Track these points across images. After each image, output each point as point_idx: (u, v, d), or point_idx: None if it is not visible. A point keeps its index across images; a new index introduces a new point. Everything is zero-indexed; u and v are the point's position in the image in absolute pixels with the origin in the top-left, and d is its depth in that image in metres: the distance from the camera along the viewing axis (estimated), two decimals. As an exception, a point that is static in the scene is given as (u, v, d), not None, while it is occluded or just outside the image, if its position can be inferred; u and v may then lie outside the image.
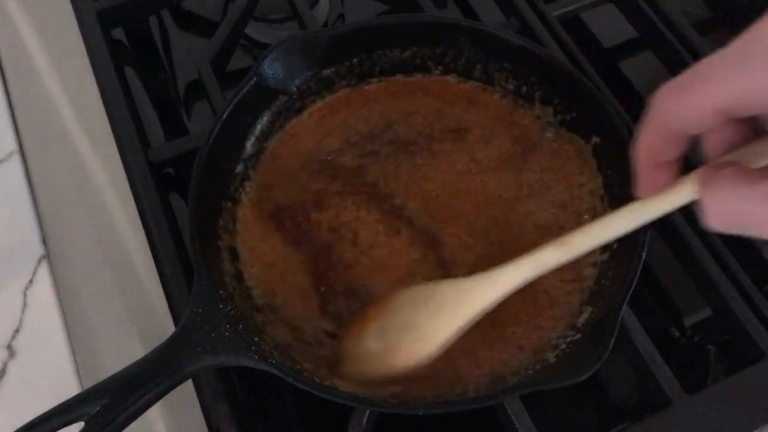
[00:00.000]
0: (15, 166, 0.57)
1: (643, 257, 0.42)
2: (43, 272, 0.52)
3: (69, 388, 0.47)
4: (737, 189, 0.30)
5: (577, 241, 0.38)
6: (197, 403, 0.45)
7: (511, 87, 0.52)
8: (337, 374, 0.42)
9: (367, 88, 0.54)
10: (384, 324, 0.43)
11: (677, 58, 0.57)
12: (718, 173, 0.31)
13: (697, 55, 0.57)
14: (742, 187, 0.30)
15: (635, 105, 0.59)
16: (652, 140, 0.34)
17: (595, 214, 0.47)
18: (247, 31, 0.64)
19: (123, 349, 0.50)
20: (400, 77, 0.54)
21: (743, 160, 0.32)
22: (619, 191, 0.47)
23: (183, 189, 0.56)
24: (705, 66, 0.30)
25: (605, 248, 0.45)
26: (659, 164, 0.34)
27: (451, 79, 0.53)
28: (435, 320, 0.41)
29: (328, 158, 0.51)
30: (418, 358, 0.41)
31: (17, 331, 0.50)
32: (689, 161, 0.35)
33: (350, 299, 0.46)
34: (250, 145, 0.51)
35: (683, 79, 0.31)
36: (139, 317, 0.51)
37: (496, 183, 0.50)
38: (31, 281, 0.52)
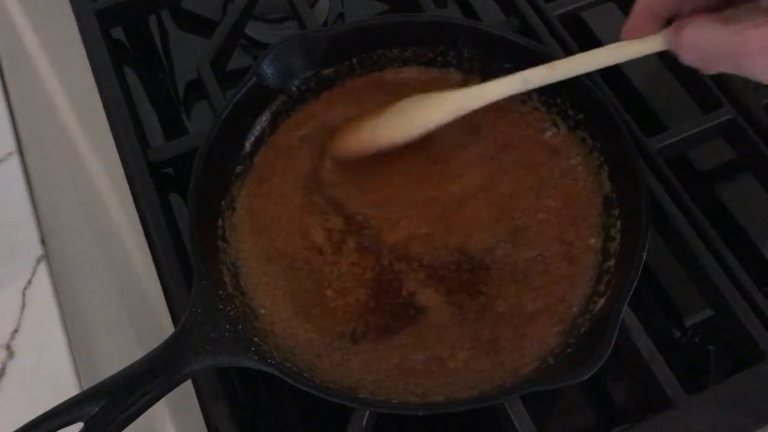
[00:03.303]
0: (14, 166, 0.57)
1: (644, 257, 0.42)
2: (42, 272, 0.52)
3: (69, 388, 0.47)
4: (713, 26, 0.35)
5: (561, 65, 0.43)
6: (197, 403, 0.45)
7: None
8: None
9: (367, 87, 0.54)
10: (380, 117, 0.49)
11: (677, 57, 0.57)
12: (695, 17, 0.37)
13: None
14: (716, 24, 0.35)
15: (636, 105, 0.60)
16: None
17: (593, 215, 0.47)
18: (246, 30, 0.64)
19: (123, 349, 0.50)
20: (400, 77, 0.54)
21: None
22: (619, 188, 0.47)
23: (183, 189, 0.56)
24: None
25: (610, 256, 0.45)
26: (651, 15, 0.39)
27: (451, 78, 0.53)
28: (428, 110, 0.47)
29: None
30: (406, 134, 0.47)
31: (16, 331, 0.50)
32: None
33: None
34: (249, 144, 0.51)
35: None
36: (138, 317, 0.51)
37: (495, 180, 0.50)
38: (30, 281, 0.51)
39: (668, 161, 0.52)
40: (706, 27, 0.36)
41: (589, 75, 0.55)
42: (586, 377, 0.38)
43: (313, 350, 0.44)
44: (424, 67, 0.54)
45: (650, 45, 0.40)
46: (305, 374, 0.41)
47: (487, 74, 0.52)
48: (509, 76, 0.45)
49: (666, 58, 0.59)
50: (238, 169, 0.50)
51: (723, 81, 0.55)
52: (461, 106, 0.46)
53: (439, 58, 0.53)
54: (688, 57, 0.37)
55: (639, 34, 0.40)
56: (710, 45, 0.36)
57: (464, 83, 0.53)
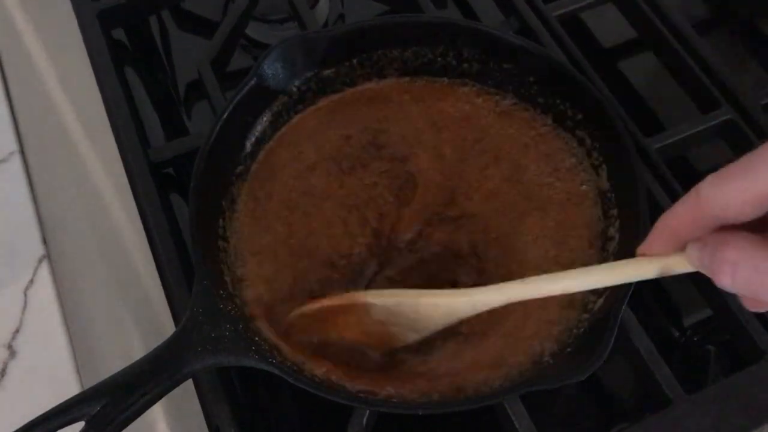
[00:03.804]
0: (15, 166, 0.57)
1: (643, 257, 0.42)
2: (44, 272, 0.52)
3: (70, 387, 0.47)
4: (755, 252, 0.29)
5: (564, 284, 0.38)
6: (197, 403, 0.45)
7: (510, 87, 0.52)
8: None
9: (366, 88, 0.54)
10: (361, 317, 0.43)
11: (677, 58, 0.57)
12: (726, 233, 0.30)
13: (696, 55, 0.57)
14: (758, 251, 0.29)
15: (635, 105, 0.60)
16: (682, 214, 0.32)
17: (592, 215, 0.48)
18: (247, 31, 0.64)
19: (123, 349, 0.50)
20: (398, 77, 0.54)
21: None
22: (618, 188, 0.47)
23: (183, 189, 0.56)
24: (753, 156, 0.29)
25: (609, 256, 0.45)
26: (674, 236, 0.33)
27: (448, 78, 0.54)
28: (415, 325, 0.42)
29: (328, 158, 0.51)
30: (390, 343, 0.43)
31: (17, 331, 0.50)
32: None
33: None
34: (250, 145, 0.51)
35: (730, 167, 0.30)
36: (139, 317, 0.51)
37: (495, 179, 0.50)
38: (31, 281, 0.52)
39: (667, 161, 0.52)
40: (745, 253, 0.29)
41: (587, 75, 0.55)
42: (585, 377, 0.38)
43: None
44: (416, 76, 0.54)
45: (675, 263, 0.33)
46: (305, 373, 0.42)
47: (486, 75, 0.53)
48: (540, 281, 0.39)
49: (666, 59, 0.59)
50: (239, 169, 0.50)
51: (722, 81, 0.55)
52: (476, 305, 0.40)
53: (439, 59, 0.53)
54: (725, 283, 0.30)
55: (659, 252, 0.34)
56: (752, 273, 0.29)
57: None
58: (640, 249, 0.35)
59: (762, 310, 0.36)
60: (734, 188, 0.30)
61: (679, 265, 0.33)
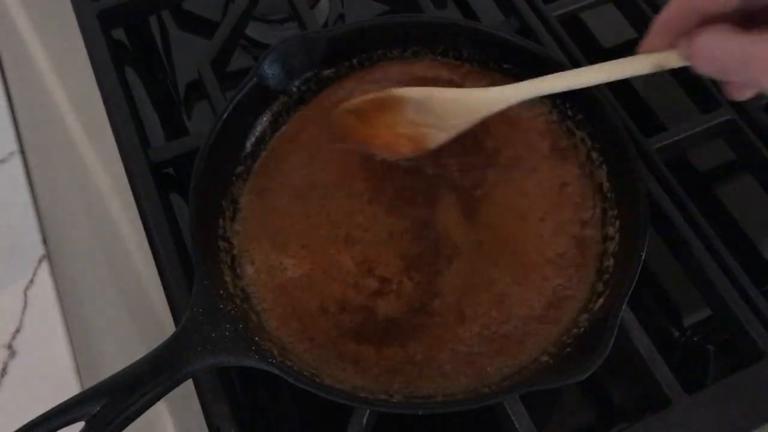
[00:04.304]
0: (16, 166, 0.57)
1: (643, 257, 0.42)
2: (44, 272, 0.52)
3: (70, 387, 0.47)
4: (727, 34, 0.34)
5: (584, 74, 0.43)
6: (197, 403, 0.45)
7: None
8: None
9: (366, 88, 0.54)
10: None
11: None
12: (710, 25, 0.35)
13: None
14: (731, 33, 0.34)
15: (635, 105, 0.60)
16: (674, 9, 0.38)
17: (593, 214, 0.48)
18: (247, 31, 0.64)
19: (124, 349, 0.50)
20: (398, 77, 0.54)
21: None
22: (618, 188, 0.47)
23: (183, 189, 0.56)
24: None
25: (609, 256, 0.45)
26: (669, 31, 0.38)
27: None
28: (443, 123, 0.46)
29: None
30: (424, 145, 0.47)
31: (17, 331, 0.50)
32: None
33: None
34: (250, 145, 0.51)
35: None
36: (139, 317, 0.51)
37: (494, 179, 0.50)
38: (31, 281, 0.52)
39: (667, 161, 0.52)
40: (720, 35, 0.35)
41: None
42: (585, 377, 0.38)
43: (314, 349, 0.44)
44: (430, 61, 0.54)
45: (666, 58, 0.38)
46: (305, 373, 0.42)
47: (485, 75, 0.53)
48: (543, 79, 0.44)
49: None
50: (239, 169, 0.50)
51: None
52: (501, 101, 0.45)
53: (439, 59, 0.53)
54: (700, 64, 0.36)
55: (655, 47, 0.39)
56: (723, 53, 0.34)
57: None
58: (640, 47, 0.40)
59: (744, 98, 0.39)
60: None
61: (672, 59, 0.38)
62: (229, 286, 0.45)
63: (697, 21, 0.36)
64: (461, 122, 0.46)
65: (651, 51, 0.39)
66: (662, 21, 0.38)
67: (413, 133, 0.47)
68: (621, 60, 0.41)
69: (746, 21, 0.35)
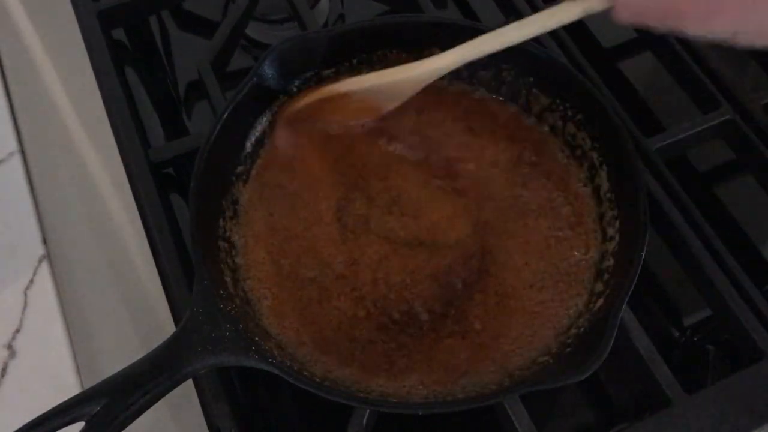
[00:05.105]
0: (16, 166, 0.57)
1: (643, 257, 0.42)
2: (44, 272, 0.52)
3: (70, 387, 0.47)
4: None
5: (509, 32, 0.45)
6: (197, 403, 0.45)
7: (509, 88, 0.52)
8: None
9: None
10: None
11: (677, 58, 0.57)
12: None
13: (696, 56, 0.57)
14: None
15: (635, 105, 0.60)
16: None
17: (593, 213, 0.48)
18: (247, 31, 0.64)
19: (123, 349, 0.50)
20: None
21: None
22: (618, 188, 0.47)
23: (183, 189, 0.56)
24: None
25: (609, 256, 0.45)
26: None
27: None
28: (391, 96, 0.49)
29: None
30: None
31: (17, 331, 0.50)
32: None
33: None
34: (250, 145, 0.51)
35: None
36: (139, 317, 0.51)
37: (494, 179, 0.50)
38: (31, 281, 0.52)
39: (667, 161, 0.52)
40: None
41: (587, 75, 0.55)
42: (585, 377, 0.38)
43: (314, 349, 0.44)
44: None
45: (591, 4, 0.41)
46: (306, 373, 0.42)
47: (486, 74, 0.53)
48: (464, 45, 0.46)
49: (665, 59, 0.59)
50: (239, 169, 0.50)
51: (722, 81, 0.55)
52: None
53: None
54: (622, 13, 0.38)
55: None
56: (648, 3, 0.36)
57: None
58: None
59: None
60: None
61: (596, 2, 0.41)
62: (229, 286, 0.45)
63: None
64: (407, 92, 0.49)
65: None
66: None
67: (367, 105, 0.50)
68: (550, 9, 0.43)
69: None
